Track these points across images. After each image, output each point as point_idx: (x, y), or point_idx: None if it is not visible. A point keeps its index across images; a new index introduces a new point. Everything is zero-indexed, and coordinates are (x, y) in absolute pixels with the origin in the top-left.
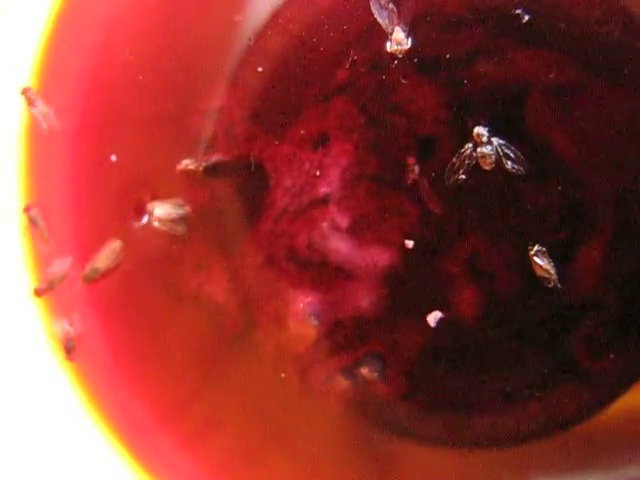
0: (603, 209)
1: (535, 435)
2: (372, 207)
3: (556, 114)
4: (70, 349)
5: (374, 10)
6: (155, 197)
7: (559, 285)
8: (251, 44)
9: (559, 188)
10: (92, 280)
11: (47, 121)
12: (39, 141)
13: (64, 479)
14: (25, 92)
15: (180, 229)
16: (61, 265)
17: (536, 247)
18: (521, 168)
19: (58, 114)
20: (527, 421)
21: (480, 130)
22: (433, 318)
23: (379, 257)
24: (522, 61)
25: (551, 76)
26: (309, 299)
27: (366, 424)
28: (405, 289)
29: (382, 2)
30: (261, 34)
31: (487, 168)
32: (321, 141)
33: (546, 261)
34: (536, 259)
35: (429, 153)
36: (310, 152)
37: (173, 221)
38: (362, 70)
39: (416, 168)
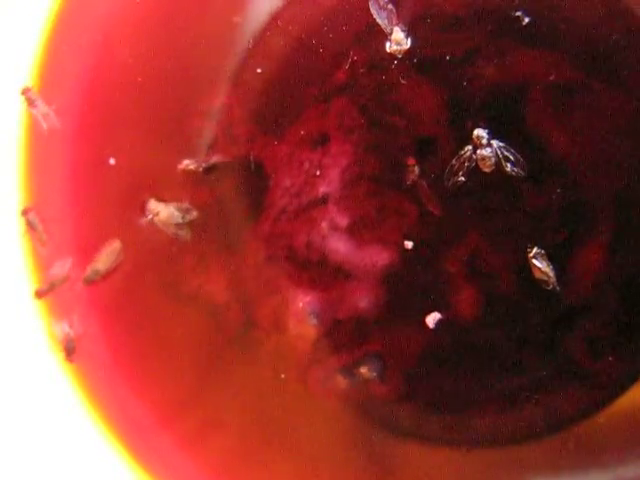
0: (602, 210)
1: (535, 435)
2: (371, 207)
3: (556, 115)
4: (70, 350)
5: (373, 11)
6: (160, 198)
7: (558, 287)
8: (250, 45)
9: (558, 189)
10: (93, 282)
11: (47, 121)
12: (39, 142)
13: (64, 479)
14: (25, 92)
15: (183, 234)
16: (62, 267)
17: (535, 249)
18: (521, 171)
19: (58, 114)
20: (526, 421)
21: (480, 132)
22: (432, 319)
23: (378, 257)
24: (522, 62)
25: (551, 77)
26: (308, 299)
27: (366, 424)
28: (404, 290)
29: (381, 2)
30: (261, 35)
31: (487, 170)
32: (321, 141)
33: (545, 263)
34: (535, 261)
35: (428, 154)
36: (309, 152)
37: (177, 225)
38: (361, 70)
39: (416, 169)
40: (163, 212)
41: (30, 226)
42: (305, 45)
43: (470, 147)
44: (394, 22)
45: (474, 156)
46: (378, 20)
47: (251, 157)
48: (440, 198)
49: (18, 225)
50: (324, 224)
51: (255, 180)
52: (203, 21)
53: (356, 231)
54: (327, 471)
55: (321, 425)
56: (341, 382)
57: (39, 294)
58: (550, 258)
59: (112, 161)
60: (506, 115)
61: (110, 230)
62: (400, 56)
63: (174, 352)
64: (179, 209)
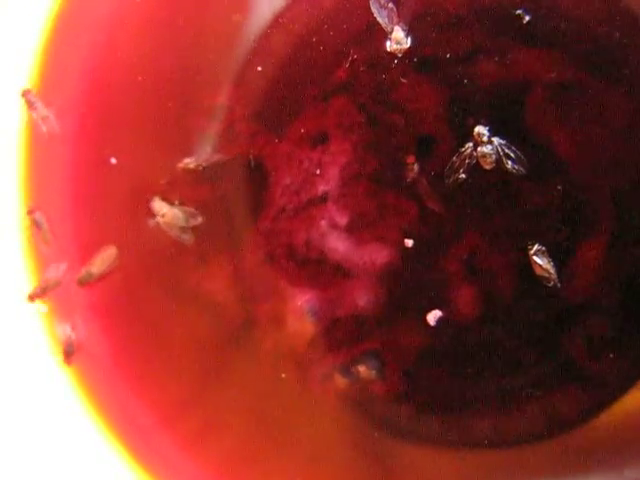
0: (603, 209)
1: (535, 435)
2: (371, 205)
3: (556, 113)
4: (69, 353)
5: (374, 9)
6: (164, 198)
7: (559, 284)
8: (252, 44)
9: (559, 187)
10: (86, 283)
11: (47, 124)
12: (39, 142)
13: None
14: (25, 94)
15: (187, 238)
16: (56, 270)
17: (536, 246)
18: (522, 168)
19: (58, 116)
20: (527, 421)
21: (481, 129)
22: (433, 317)
23: (377, 255)
24: (522, 60)
25: (551, 75)
26: (308, 297)
27: (365, 423)
28: (403, 288)
29: (382, 1)
30: (262, 34)
31: (487, 168)
32: (321, 140)
33: (546, 260)
34: (535, 258)
35: (428, 152)
36: (309, 150)
37: (181, 228)
38: (362, 69)
39: (415, 167)
40: (168, 213)
41: (36, 225)
42: (306, 44)
43: (471, 144)
44: (394, 21)
45: (475, 153)
46: (379, 19)
47: (251, 155)
48: (440, 196)
49: (20, 226)
50: (323, 222)
51: (255, 178)
52: (204, 20)
53: (355, 229)
54: (327, 471)
55: (321, 424)
56: (340, 381)
57: (32, 297)
58: (551, 255)
59: (113, 160)
60: (506, 114)
61: (111, 231)
62: (400, 55)
63: (174, 352)
64: (184, 212)
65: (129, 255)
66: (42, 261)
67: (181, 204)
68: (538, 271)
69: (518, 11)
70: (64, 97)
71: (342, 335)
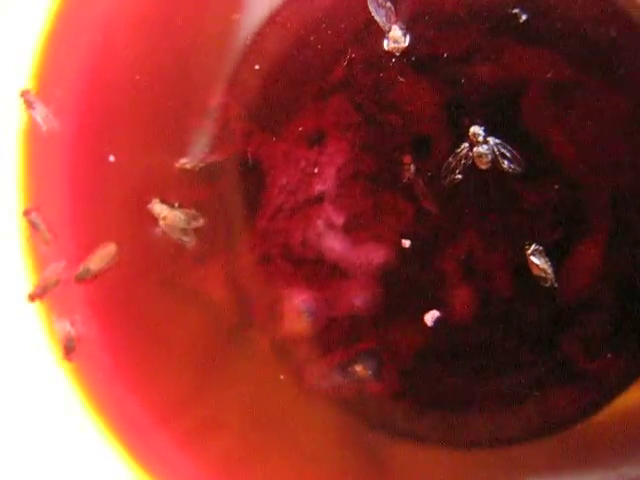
0: (599, 209)
1: (532, 435)
2: (367, 205)
3: (553, 113)
4: (70, 349)
5: (371, 8)
6: (164, 200)
7: (556, 284)
8: (249, 43)
9: (555, 187)
10: (84, 280)
11: (46, 123)
12: (38, 142)
13: (63, 478)
14: (24, 94)
15: (188, 240)
16: (54, 269)
17: (533, 246)
18: (517, 167)
19: (56, 115)
20: (524, 421)
21: (476, 129)
22: (430, 317)
23: (374, 255)
24: (519, 60)
25: (548, 75)
26: (304, 297)
27: (363, 423)
28: (400, 288)
29: (379, 0)
30: (259, 33)
31: (483, 167)
32: (317, 139)
33: (543, 260)
34: (533, 258)
35: (425, 152)
36: (306, 150)
37: (182, 230)
38: (359, 68)
39: (412, 167)
40: (169, 216)
41: (33, 226)
42: (303, 43)
43: (467, 144)
44: (392, 20)
45: (471, 153)
46: (376, 18)
47: (248, 155)
48: (436, 196)
49: (18, 225)
50: (320, 222)
51: (252, 178)
52: (201, 19)
53: (352, 229)
54: (325, 470)
55: (319, 424)
56: (337, 380)
57: (32, 297)
58: (548, 255)
59: (112, 158)
60: (503, 113)
61: (110, 229)
62: (398, 54)
63: (173, 351)
64: (185, 214)
65: (127, 254)
66: (41, 260)
67: (181, 206)
68: (535, 271)
69: (515, 10)
70: (62, 97)
71: (339, 335)
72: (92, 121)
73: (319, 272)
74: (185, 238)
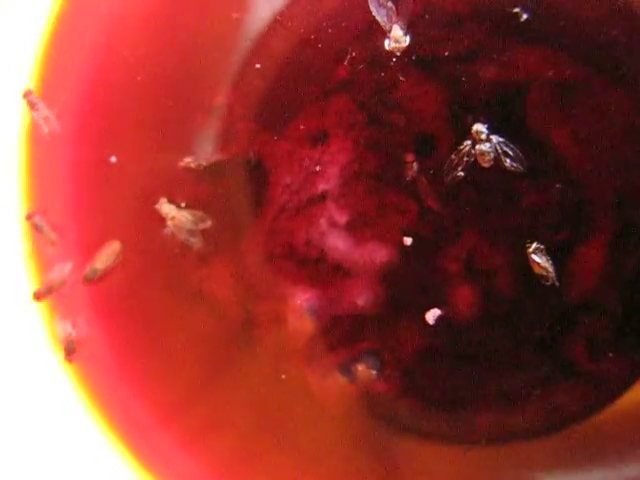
0: (603, 208)
1: (535, 434)
2: (370, 204)
3: (555, 112)
4: (70, 351)
5: (372, 8)
6: (172, 200)
7: (557, 283)
8: (251, 42)
9: (558, 186)
10: (92, 280)
11: (48, 125)
12: (40, 143)
13: (65, 479)
14: (26, 95)
15: (195, 241)
16: (61, 270)
17: (534, 244)
18: (520, 166)
19: (59, 116)
20: (527, 419)
21: (479, 127)
22: (432, 316)
23: (377, 254)
24: (521, 59)
25: (550, 74)
26: (307, 296)
27: (366, 422)
28: (403, 287)
29: (381, 0)
30: (261, 32)
31: (486, 165)
32: (320, 138)
33: (544, 258)
34: (534, 256)
35: (428, 150)
36: (309, 149)
37: (190, 231)
38: (361, 68)
39: (415, 165)
40: (177, 216)
41: (36, 229)
42: (305, 42)
43: (469, 142)
44: (393, 20)
45: (473, 151)
46: (377, 17)
47: (251, 154)
48: (439, 194)
49: (21, 227)
50: (323, 221)
51: (255, 177)
52: (204, 19)
53: (355, 228)
54: (328, 469)
55: (321, 423)
56: (340, 379)
57: (38, 296)
58: (549, 254)
59: (113, 159)
60: (506, 113)
61: (114, 230)
62: (399, 53)
63: (175, 352)
64: (193, 215)
65: (131, 254)
66: (44, 261)
67: (189, 207)
68: (536, 269)
69: (515, 9)
70: (65, 98)
71: (342, 334)
72: (95, 122)
73: (322, 271)
74: (192, 239)
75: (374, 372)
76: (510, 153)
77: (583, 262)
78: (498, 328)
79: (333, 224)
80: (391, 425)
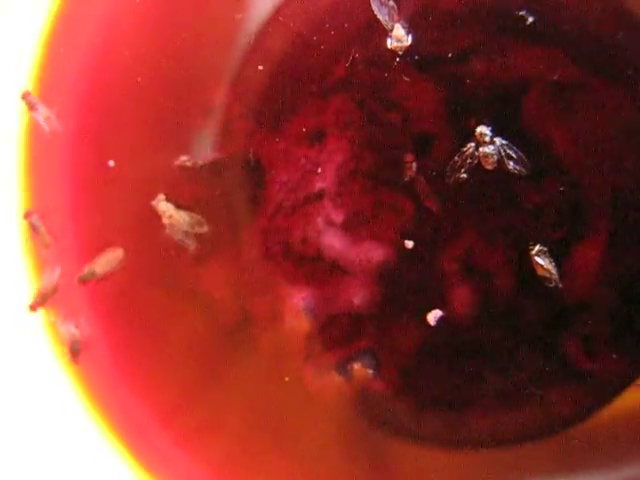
0: (601, 209)
1: (533, 434)
2: (367, 203)
3: (554, 112)
4: (76, 352)
5: (374, 7)
6: (170, 199)
7: (560, 285)
8: (251, 42)
9: (558, 188)
10: (88, 281)
11: (49, 124)
12: (39, 144)
13: (65, 479)
14: (25, 96)
15: (190, 243)
16: (51, 276)
17: (537, 247)
18: (523, 169)
19: (58, 117)
20: (525, 420)
21: (483, 129)
22: (433, 317)
23: (374, 254)
24: (523, 60)
25: (552, 76)
26: (304, 295)
27: (363, 422)
28: (400, 286)
29: None
30: (261, 32)
31: (489, 168)
32: (318, 137)
33: (547, 261)
34: (537, 259)
35: (427, 151)
36: (307, 148)
37: (185, 233)
38: (362, 67)
39: (413, 165)
40: (175, 216)
41: (33, 229)
42: (306, 41)
43: (473, 144)
44: (395, 19)
45: (477, 153)
46: (379, 16)
47: (249, 153)
48: (438, 195)
49: (20, 228)
50: (320, 220)
51: (252, 176)
52: (202, 19)
53: (352, 227)
54: (326, 469)
55: (319, 423)
56: (336, 378)
57: (33, 307)
58: (552, 255)
59: (111, 163)
60: (506, 113)
61: (112, 231)
62: (401, 53)
63: (174, 351)
64: (191, 217)
65: (129, 254)
66: (42, 263)
67: (188, 208)
68: (540, 272)
69: (521, 12)
70: (63, 98)
71: (338, 333)
72: (93, 122)
73: (319, 270)
74: (186, 241)
75: (370, 371)
76: (513, 156)
77: (582, 262)
78: (496, 328)
79: (330, 223)
80: (389, 425)
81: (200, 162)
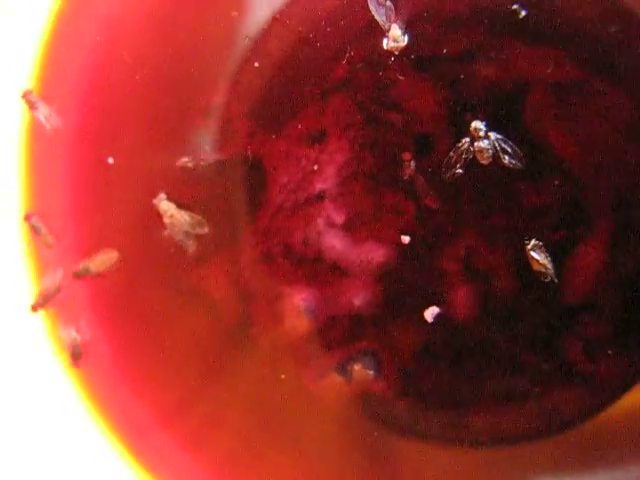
0: (602, 208)
1: (534, 434)
2: (368, 204)
3: (554, 111)
4: (77, 356)
5: (371, 7)
6: (171, 199)
7: (556, 280)
8: (250, 42)
9: (557, 187)
10: (82, 277)
11: (50, 122)
12: (39, 144)
13: (65, 479)
14: (26, 95)
15: (190, 244)
16: (53, 278)
17: (533, 241)
18: (518, 163)
19: (59, 115)
20: (526, 420)
21: (477, 124)
22: (430, 314)
23: (374, 254)
24: (521, 59)
25: (549, 73)
26: (305, 295)
27: (364, 422)
28: (400, 286)
29: None
30: (260, 31)
31: (484, 162)
32: (318, 138)
33: (543, 255)
34: (533, 253)
35: (426, 150)
36: (307, 149)
37: (186, 233)
38: (359, 67)
39: (412, 164)
40: (176, 216)
41: (34, 231)
42: (304, 42)
43: (468, 139)
44: (392, 19)
45: (472, 148)
46: (376, 17)
47: (249, 154)
48: (437, 193)
49: (22, 230)
50: (321, 220)
51: (253, 177)
52: (203, 18)
53: (352, 227)
54: (327, 469)
55: (319, 423)
56: (337, 379)
57: (35, 307)
58: (548, 251)
59: (110, 160)
60: (504, 113)
61: (112, 230)
62: (398, 53)
63: (175, 352)
64: (192, 218)
65: (129, 253)
66: (44, 264)
67: (189, 209)
68: (535, 266)
69: (514, 6)
70: (64, 97)
71: (339, 333)
72: (94, 122)
73: (320, 270)
74: (187, 241)
75: (371, 372)
76: (508, 150)
77: (582, 262)
78: (496, 328)
79: (330, 223)
80: (389, 425)
81: (201, 163)
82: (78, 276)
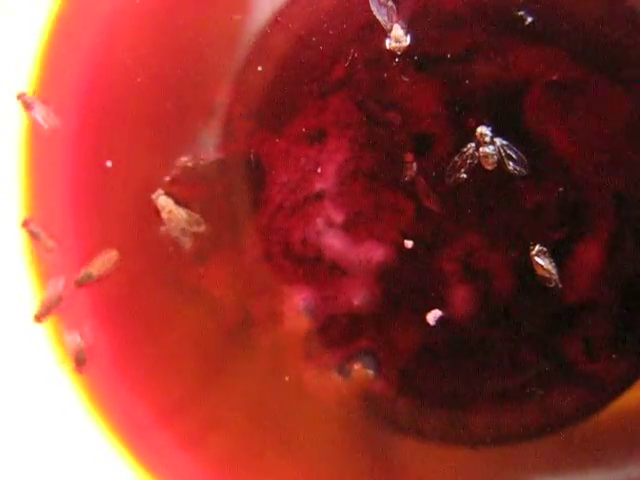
0: (603, 209)
1: (534, 434)
2: (368, 203)
3: (557, 113)
4: (80, 362)
5: (373, 7)
6: (169, 194)
7: (560, 285)
8: (251, 43)
9: (558, 188)
10: (85, 284)
11: (47, 122)
12: (38, 145)
13: (65, 479)
14: (20, 97)
15: (186, 241)
16: (55, 286)
17: (537, 247)
18: (523, 170)
19: (56, 114)
20: (526, 420)
21: (483, 130)
22: (432, 317)
23: (374, 254)
24: (523, 60)
25: (552, 75)
26: (305, 295)
27: (364, 422)
28: (400, 286)
29: None
30: (261, 32)
31: (489, 168)
32: (318, 137)
33: (547, 261)
34: (537, 259)
35: (427, 151)
36: (307, 148)
37: (183, 230)
38: (361, 67)
39: (414, 165)
40: (174, 212)
41: (33, 236)
42: (305, 42)
43: (473, 144)
44: (394, 19)
45: (476, 153)
46: (378, 17)
47: (250, 153)
48: (438, 195)
49: (22, 237)
50: (320, 220)
51: (253, 176)
52: (203, 19)
53: (352, 227)
54: (327, 469)
55: (320, 423)
56: (336, 378)
57: (38, 318)
58: (552, 256)
59: (109, 164)
60: (506, 113)
61: (112, 231)
62: (400, 53)
63: (175, 352)
64: (190, 215)
65: (129, 254)
66: (46, 269)
67: (187, 206)
68: (539, 272)
69: (520, 12)
70: (64, 98)
71: (338, 333)
72: (94, 123)
73: (319, 270)
74: (183, 238)
75: (370, 372)
76: (513, 156)
77: (582, 262)
78: (496, 328)
79: (330, 223)
80: (390, 425)
81: (201, 162)
82: (80, 284)
